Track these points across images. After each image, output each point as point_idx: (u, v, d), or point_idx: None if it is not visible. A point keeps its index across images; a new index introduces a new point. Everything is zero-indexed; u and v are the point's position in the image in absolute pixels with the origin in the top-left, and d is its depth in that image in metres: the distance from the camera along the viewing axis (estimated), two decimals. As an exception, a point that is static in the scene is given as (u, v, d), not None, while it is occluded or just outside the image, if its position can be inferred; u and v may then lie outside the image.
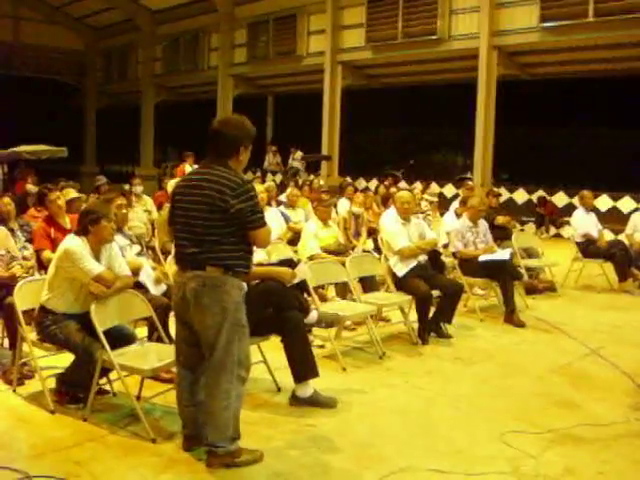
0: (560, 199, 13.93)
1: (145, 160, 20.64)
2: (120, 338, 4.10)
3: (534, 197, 14.27)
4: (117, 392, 4.31)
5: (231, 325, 3.36)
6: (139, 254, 5.48)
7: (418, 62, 14.58)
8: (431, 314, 5.87)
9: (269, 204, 7.60)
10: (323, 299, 5.92)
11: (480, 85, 12.41)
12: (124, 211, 5.63)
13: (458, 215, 7.81)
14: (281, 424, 3.99)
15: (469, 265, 6.84)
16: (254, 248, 3.57)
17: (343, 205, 9.30)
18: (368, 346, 5.59)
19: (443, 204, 10.24)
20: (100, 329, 3.89)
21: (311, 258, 6.25)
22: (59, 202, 5.71)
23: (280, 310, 4.28)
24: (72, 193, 6.42)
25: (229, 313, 3.35)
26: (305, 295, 4.92)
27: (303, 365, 4.24)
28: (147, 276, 5.03)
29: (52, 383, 4.23)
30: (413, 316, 5.86)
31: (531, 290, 7.89)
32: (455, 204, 8.62)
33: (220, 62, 17.68)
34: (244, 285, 3.50)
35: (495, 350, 5.70)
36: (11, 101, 20.17)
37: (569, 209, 11.92)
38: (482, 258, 6.77)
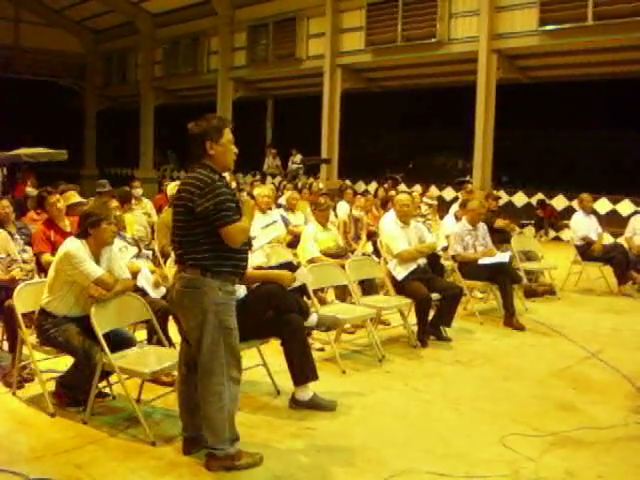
0: (559, 202, 13.92)
1: (145, 163, 20.63)
2: (120, 341, 4.10)
3: (533, 200, 14.26)
4: (117, 395, 4.31)
5: (213, 327, 3.34)
6: (137, 256, 5.48)
7: (418, 65, 14.59)
8: (431, 317, 5.89)
9: (269, 207, 7.57)
10: (323, 302, 5.92)
11: (480, 88, 12.41)
12: (118, 213, 5.64)
13: (457, 218, 7.81)
14: (281, 427, 3.99)
15: (468, 268, 6.85)
16: (250, 250, 3.56)
17: (342, 208, 9.29)
18: (368, 349, 5.59)
19: (442, 207, 10.24)
20: (100, 332, 3.89)
21: (311, 261, 6.25)
22: (59, 205, 5.71)
23: (280, 313, 4.28)
24: (75, 197, 6.38)
25: (209, 315, 3.33)
26: (305, 298, 4.93)
27: (303, 368, 4.24)
28: (145, 280, 5.01)
29: (52, 386, 4.23)
30: (412, 319, 5.86)
31: (530, 293, 7.89)
32: (454, 207, 8.62)
33: (220, 65, 17.67)
34: (231, 287, 3.42)
35: (494, 353, 5.70)
36: (11, 104, 20.18)
37: (568, 212, 11.90)
38: (482, 261, 6.78)
